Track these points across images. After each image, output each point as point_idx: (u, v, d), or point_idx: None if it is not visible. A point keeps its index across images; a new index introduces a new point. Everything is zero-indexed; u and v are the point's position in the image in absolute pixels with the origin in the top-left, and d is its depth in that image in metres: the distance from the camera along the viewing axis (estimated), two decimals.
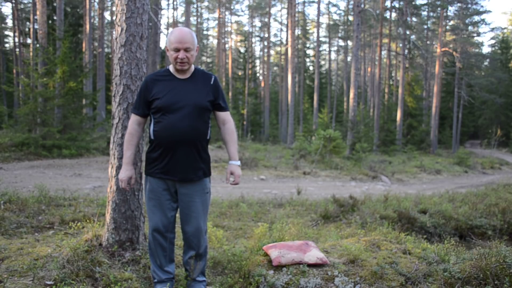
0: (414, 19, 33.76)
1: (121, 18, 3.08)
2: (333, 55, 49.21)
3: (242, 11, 68.93)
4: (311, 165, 14.15)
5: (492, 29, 42.79)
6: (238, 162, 2.65)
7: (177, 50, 2.46)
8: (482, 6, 33.91)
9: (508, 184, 10.60)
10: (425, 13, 33.32)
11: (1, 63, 30.17)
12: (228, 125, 2.68)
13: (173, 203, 2.65)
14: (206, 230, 2.78)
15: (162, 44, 42.56)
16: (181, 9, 61.87)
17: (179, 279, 2.97)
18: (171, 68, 2.62)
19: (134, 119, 2.64)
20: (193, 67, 2.63)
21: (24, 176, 8.48)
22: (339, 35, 42.96)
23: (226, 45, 43.48)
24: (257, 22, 45.74)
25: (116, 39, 3.13)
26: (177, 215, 2.75)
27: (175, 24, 38.60)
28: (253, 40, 47.23)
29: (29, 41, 26.32)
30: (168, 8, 40.16)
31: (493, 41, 48.28)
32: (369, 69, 41.53)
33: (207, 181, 2.67)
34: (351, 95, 19.09)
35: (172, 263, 2.77)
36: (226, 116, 2.68)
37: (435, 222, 5.69)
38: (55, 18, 21.43)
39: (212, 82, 2.61)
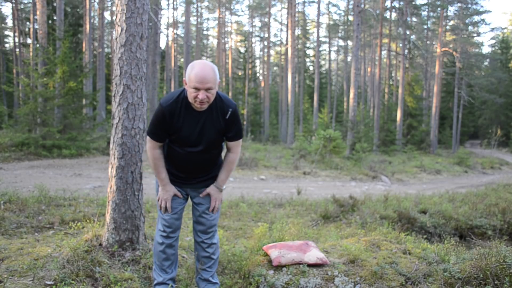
0: (414, 19, 33.74)
1: (121, 18, 3.08)
2: (333, 55, 49.23)
3: (242, 11, 69.00)
4: (311, 165, 14.15)
5: (492, 29, 42.87)
6: (222, 188, 2.65)
7: (197, 89, 2.30)
8: (482, 6, 33.96)
9: (508, 184, 10.60)
10: (425, 13, 33.32)
11: (1, 63, 30.17)
12: (232, 155, 2.62)
13: (183, 203, 2.70)
14: (216, 229, 2.81)
15: (162, 44, 42.66)
16: (181, 9, 62.03)
17: (179, 279, 2.97)
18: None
19: (153, 145, 2.49)
20: None
21: (24, 176, 8.48)
22: (339, 35, 42.94)
23: (226, 45, 43.47)
24: (257, 22, 45.77)
25: (116, 39, 3.13)
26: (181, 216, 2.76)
27: (175, 24, 38.60)
28: (253, 40, 47.22)
29: (29, 41, 26.31)
30: (168, 8, 40.14)
31: (493, 41, 48.37)
32: (369, 69, 41.52)
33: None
34: (351, 95, 19.08)
35: (175, 265, 2.77)
36: (233, 146, 2.61)
37: (435, 222, 5.69)
38: (55, 18, 21.43)
39: (228, 117, 2.47)
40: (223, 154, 2.75)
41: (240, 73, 42.29)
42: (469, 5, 32.62)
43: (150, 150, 2.51)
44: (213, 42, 53.86)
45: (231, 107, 2.47)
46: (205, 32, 50.50)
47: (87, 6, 22.52)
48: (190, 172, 2.60)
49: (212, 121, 2.46)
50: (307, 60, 48.15)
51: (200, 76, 2.27)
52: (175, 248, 2.72)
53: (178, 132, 2.45)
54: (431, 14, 33.67)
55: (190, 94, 2.33)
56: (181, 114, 2.42)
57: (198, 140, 2.47)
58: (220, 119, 2.47)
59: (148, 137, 2.51)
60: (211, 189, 2.62)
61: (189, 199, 2.76)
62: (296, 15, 32.93)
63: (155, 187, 2.73)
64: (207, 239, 2.72)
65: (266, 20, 40.43)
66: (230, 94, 37.69)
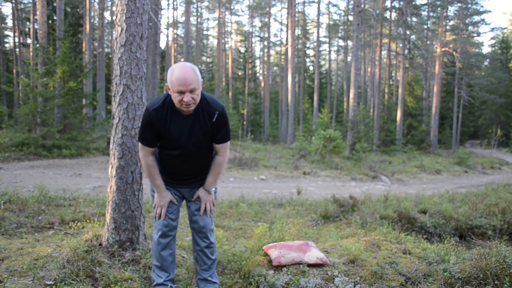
0: (414, 19, 33.74)
1: (121, 18, 3.08)
2: (333, 55, 49.24)
3: (242, 11, 69.03)
4: (311, 165, 14.15)
5: (492, 29, 42.87)
6: (211, 189, 2.64)
7: (181, 92, 2.26)
8: (482, 6, 33.94)
9: (508, 184, 10.60)
10: (425, 13, 33.32)
11: (1, 63, 30.17)
12: (220, 158, 2.60)
13: (179, 202, 2.70)
14: (213, 228, 2.80)
15: (162, 44, 42.65)
16: (181, 9, 62.00)
17: (179, 279, 2.97)
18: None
19: (146, 151, 2.49)
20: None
21: (24, 176, 8.48)
22: (339, 35, 42.95)
23: (226, 45, 43.47)
24: (257, 22, 45.78)
25: (116, 39, 3.13)
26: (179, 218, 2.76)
27: (175, 24, 38.61)
28: (253, 40, 47.23)
29: (29, 41, 26.30)
30: (168, 8, 40.16)
31: (493, 41, 48.36)
32: (369, 69, 41.53)
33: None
34: (351, 95, 19.09)
35: (174, 265, 2.77)
36: (220, 148, 2.58)
37: (435, 222, 5.69)
38: (55, 18, 21.42)
39: (214, 120, 2.45)
40: None
41: (240, 73, 42.31)
42: (469, 5, 32.63)
43: (144, 158, 2.51)
44: (213, 42, 53.91)
45: (218, 110, 2.44)
46: (205, 32, 50.51)
47: (87, 6, 22.52)
48: (182, 174, 2.61)
49: (199, 124, 2.44)
50: (307, 60, 48.16)
51: (182, 78, 2.24)
52: (173, 247, 2.71)
53: (166, 136, 2.44)
54: (431, 14, 33.67)
55: (175, 98, 2.29)
56: (168, 118, 2.40)
57: (187, 144, 2.47)
58: (207, 122, 2.45)
59: (140, 144, 2.50)
60: (200, 192, 2.63)
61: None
62: (296, 15, 32.94)
63: (150, 193, 2.73)
64: (204, 238, 2.71)
65: (266, 20, 40.44)
66: (230, 94, 37.69)
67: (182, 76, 2.24)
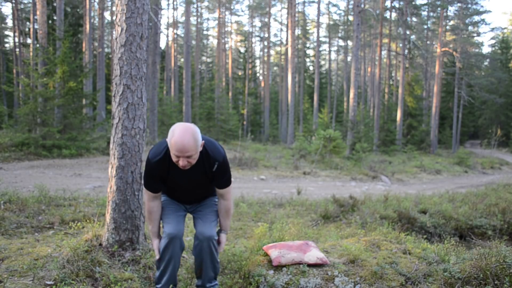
0: (414, 19, 33.74)
1: (121, 18, 3.08)
2: (333, 55, 49.24)
3: (242, 11, 69.06)
4: (311, 165, 14.15)
5: (492, 29, 42.84)
6: (226, 232, 2.81)
7: (177, 156, 2.33)
8: (482, 6, 33.93)
9: (508, 184, 10.60)
10: (425, 13, 33.32)
11: (1, 63, 30.17)
12: (225, 202, 2.69)
13: (184, 211, 2.80)
14: (216, 236, 2.80)
15: (162, 44, 42.66)
16: (181, 9, 62.07)
17: (179, 279, 2.97)
18: None
19: (150, 196, 2.60)
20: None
21: (24, 176, 8.48)
22: (339, 35, 42.95)
23: (226, 45, 43.47)
24: (257, 22, 45.78)
25: (116, 39, 3.13)
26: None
27: (175, 24, 38.61)
28: (253, 40, 47.22)
29: (29, 41, 26.31)
30: (168, 8, 40.16)
31: (493, 41, 48.36)
32: (369, 69, 41.52)
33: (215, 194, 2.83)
34: (351, 95, 19.09)
35: (176, 270, 2.76)
36: (224, 193, 2.66)
37: (435, 222, 5.69)
38: (55, 18, 21.44)
39: (214, 169, 2.52)
40: None
41: (240, 73, 42.31)
42: (469, 5, 32.62)
43: (147, 202, 2.63)
44: (213, 42, 53.90)
45: (218, 160, 2.49)
46: (205, 32, 50.50)
47: (87, 6, 22.52)
48: (186, 200, 2.76)
49: (199, 172, 2.53)
50: (307, 60, 48.15)
51: (179, 145, 2.27)
52: (178, 254, 2.68)
53: (168, 181, 2.58)
54: (431, 14, 33.67)
55: (172, 156, 2.36)
56: (169, 167, 2.49)
57: (188, 186, 2.62)
58: (207, 171, 2.53)
59: (144, 189, 2.61)
60: (222, 237, 2.77)
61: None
62: (296, 15, 32.94)
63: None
64: (207, 247, 2.71)
65: (266, 20, 40.44)
66: (230, 94, 37.69)
67: (180, 143, 2.27)
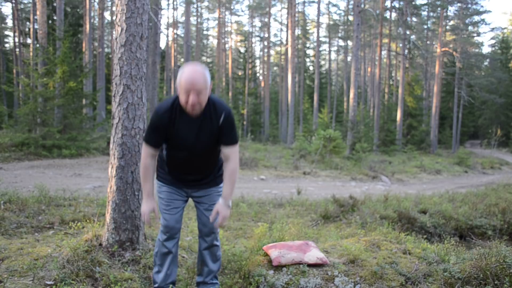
0: (414, 19, 33.75)
1: (121, 18, 3.08)
2: (333, 55, 49.23)
3: (242, 11, 69.09)
4: (311, 165, 14.15)
5: (492, 29, 42.82)
6: (229, 203, 2.51)
7: (187, 93, 2.29)
8: (482, 6, 33.95)
9: (508, 184, 10.60)
10: (425, 13, 33.32)
11: (1, 63, 30.15)
12: (231, 164, 2.52)
13: (183, 203, 2.69)
14: (218, 231, 2.80)
15: (162, 44, 42.62)
16: (181, 9, 62.03)
17: (179, 279, 2.97)
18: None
19: (147, 151, 2.50)
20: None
21: (24, 176, 8.48)
22: (339, 35, 42.94)
23: (226, 45, 43.48)
24: (257, 22, 45.77)
25: (116, 39, 3.13)
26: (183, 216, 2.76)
27: (175, 24, 38.62)
28: (253, 40, 47.22)
29: (29, 41, 26.30)
30: (168, 8, 40.16)
31: (493, 41, 48.34)
32: (369, 69, 41.53)
33: (221, 185, 2.70)
34: (351, 95, 19.09)
35: (175, 267, 2.77)
36: (230, 153, 2.51)
37: (435, 222, 5.69)
38: (55, 18, 21.42)
39: (221, 122, 2.45)
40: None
41: (240, 73, 42.27)
42: (469, 5, 32.62)
43: (144, 158, 2.53)
44: (213, 42, 53.90)
45: (225, 112, 2.46)
46: (205, 32, 50.52)
47: (87, 6, 22.52)
48: (188, 175, 2.61)
49: (206, 126, 2.45)
50: (307, 60, 48.13)
51: (190, 80, 2.26)
52: (175, 250, 2.70)
53: (174, 137, 2.46)
54: (431, 14, 33.67)
55: (182, 98, 2.32)
56: (176, 119, 2.43)
57: (194, 145, 2.48)
58: (214, 124, 2.46)
59: (143, 144, 2.53)
60: (218, 206, 2.50)
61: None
62: (296, 15, 32.93)
63: (156, 194, 2.72)
64: (209, 240, 2.73)
65: (266, 20, 40.43)
66: (230, 94, 37.69)
67: (191, 77, 2.27)
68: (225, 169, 2.55)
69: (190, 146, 2.47)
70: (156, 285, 2.69)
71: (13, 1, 27.40)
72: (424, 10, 32.28)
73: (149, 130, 2.49)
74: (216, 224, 2.50)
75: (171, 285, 2.69)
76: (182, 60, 40.31)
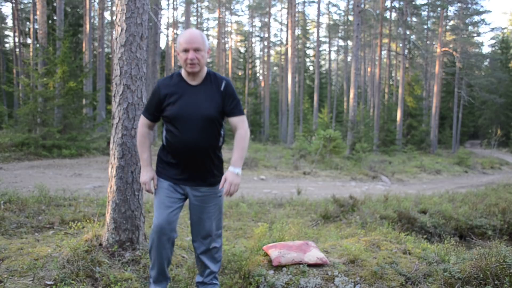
0: (414, 19, 33.75)
1: (121, 18, 3.08)
2: (333, 55, 49.24)
3: (242, 11, 69.03)
4: (311, 165, 14.15)
5: (492, 29, 42.79)
6: (237, 170, 2.39)
7: (186, 51, 2.37)
8: (482, 6, 33.96)
9: (508, 184, 10.60)
10: (425, 13, 33.33)
11: (1, 63, 30.15)
12: (239, 131, 2.48)
13: (180, 202, 2.58)
14: (220, 233, 2.73)
15: (162, 44, 42.61)
16: (181, 9, 62.05)
17: (179, 279, 2.97)
18: (183, 72, 2.51)
19: (144, 122, 2.56)
20: (205, 71, 2.51)
21: (24, 176, 8.48)
22: (339, 35, 42.95)
23: (226, 45, 43.48)
24: (257, 22, 45.78)
25: (116, 39, 3.13)
26: (181, 216, 2.74)
27: (175, 24, 38.61)
28: (253, 40, 47.23)
29: (29, 41, 26.32)
30: (168, 8, 40.17)
31: (493, 41, 48.36)
32: (369, 69, 41.53)
33: (222, 190, 2.61)
34: (351, 95, 19.09)
35: (169, 264, 2.74)
36: (237, 122, 2.50)
37: (435, 222, 5.69)
38: (55, 18, 21.44)
39: (222, 89, 2.48)
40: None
41: (240, 73, 42.25)
42: (469, 5, 32.62)
43: (140, 126, 2.60)
44: (213, 42, 53.79)
45: (225, 80, 2.54)
46: (205, 32, 50.52)
47: (87, 6, 22.52)
48: (188, 162, 2.50)
49: (207, 94, 2.47)
50: (307, 60, 48.14)
51: (188, 37, 2.37)
52: (170, 249, 2.60)
53: (175, 106, 2.45)
54: (431, 14, 33.68)
55: (181, 58, 2.40)
56: (176, 86, 2.49)
57: (195, 115, 2.42)
58: (215, 92, 2.49)
59: (141, 116, 2.60)
60: (226, 174, 2.39)
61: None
62: (296, 15, 32.94)
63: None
64: (207, 243, 2.66)
65: (266, 20, 40.44)
66: None
67: (189, 35, 2.38)
68: (235, 137, 2.52)
69: (191, 116, 2.43)
70: (152, 280, 2.66)
71: (13, 1, 27.41)
72: (424, 10, 32.30)
73: (148, 100, 2.58)
74: (224, 192, 2.40)
75: (164, 282, 2.65)
76: None
